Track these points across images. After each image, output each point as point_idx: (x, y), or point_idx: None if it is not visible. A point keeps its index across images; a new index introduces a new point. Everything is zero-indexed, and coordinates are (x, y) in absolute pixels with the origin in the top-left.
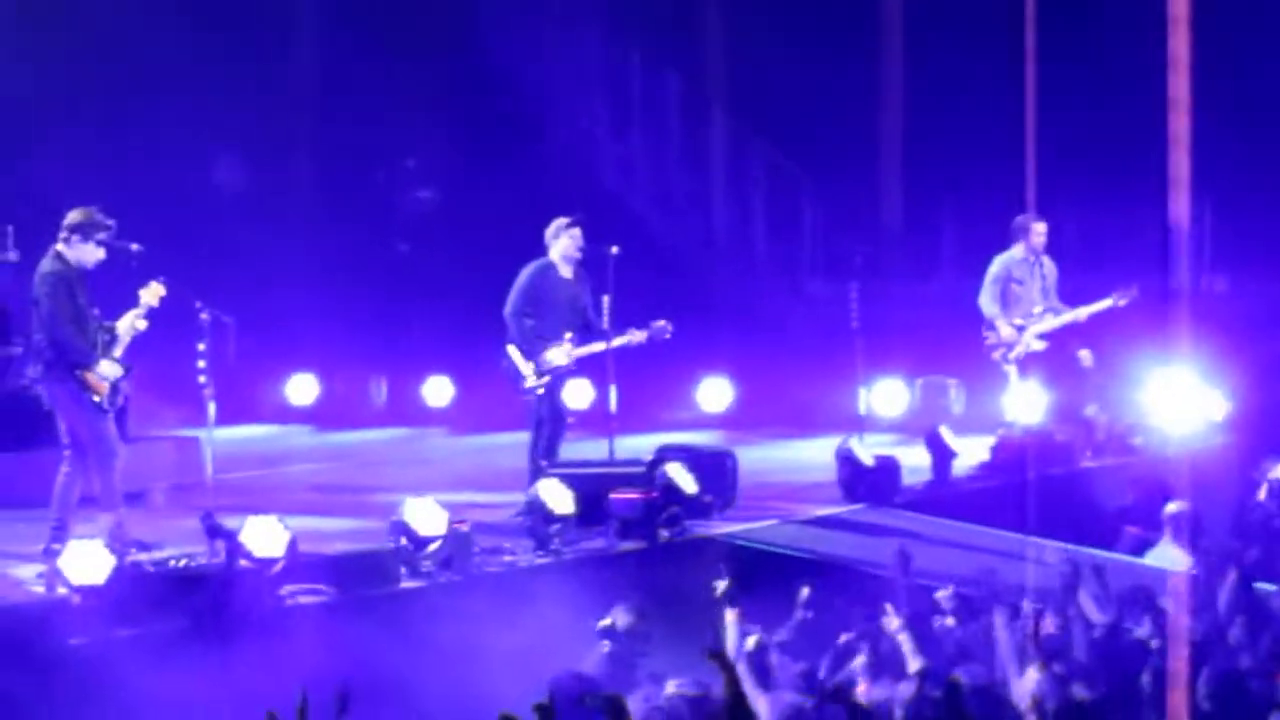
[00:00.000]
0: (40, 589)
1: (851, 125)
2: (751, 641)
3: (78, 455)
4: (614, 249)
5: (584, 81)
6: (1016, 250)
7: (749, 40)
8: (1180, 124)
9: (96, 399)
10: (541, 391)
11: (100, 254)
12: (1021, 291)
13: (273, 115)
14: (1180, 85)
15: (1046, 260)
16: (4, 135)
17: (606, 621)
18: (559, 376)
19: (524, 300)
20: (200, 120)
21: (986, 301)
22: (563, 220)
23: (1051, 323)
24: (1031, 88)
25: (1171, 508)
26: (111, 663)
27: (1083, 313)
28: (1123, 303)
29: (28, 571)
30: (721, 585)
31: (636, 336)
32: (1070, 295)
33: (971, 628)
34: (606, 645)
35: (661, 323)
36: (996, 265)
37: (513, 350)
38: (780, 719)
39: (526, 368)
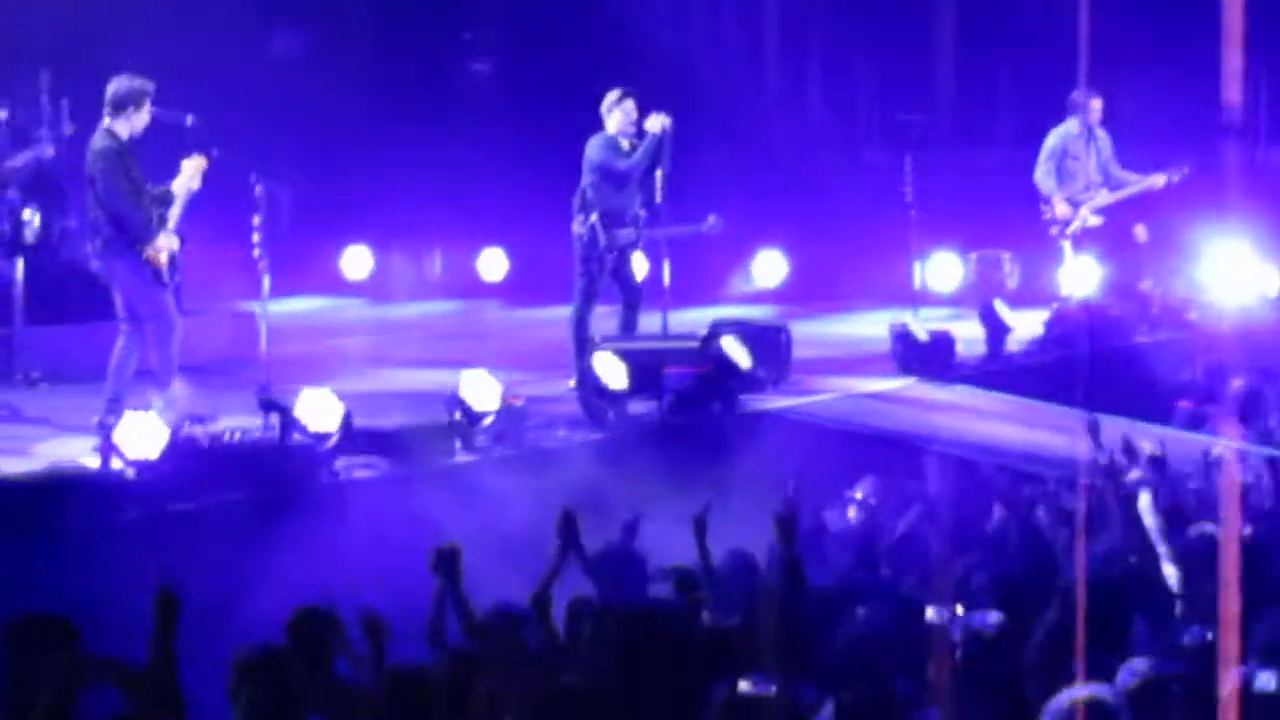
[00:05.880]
0: (95, 462)
1: None
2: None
3: (134, 329)
4: (668, 121)
5: None
6: (1072, 125)
7: None
8: None
9: (155, 272)
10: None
11: (148, 116)
12: (1077, 166)
13: None
14: None
15: (1101, 133)
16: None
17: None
18: (625, 251)
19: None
20: None
21: (1042, 176)
22: (615, 94)
23: (1107, 198)
24: None
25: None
26: (166, 537)
27: (1136, 189)
28: (1176, 179)
29: (83, 445)
30: None
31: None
32: (1126, 167)
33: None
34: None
35: (712, 219)
36: (1052, 139)
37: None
38: None
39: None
